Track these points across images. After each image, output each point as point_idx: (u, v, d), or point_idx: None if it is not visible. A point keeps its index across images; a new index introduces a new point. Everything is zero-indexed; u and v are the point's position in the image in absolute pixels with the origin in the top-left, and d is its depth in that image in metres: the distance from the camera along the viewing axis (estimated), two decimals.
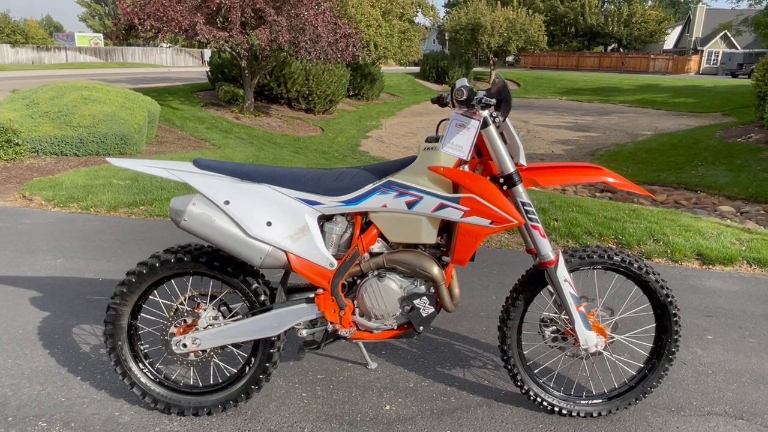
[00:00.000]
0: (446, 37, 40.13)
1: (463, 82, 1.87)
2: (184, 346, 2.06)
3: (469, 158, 1.89)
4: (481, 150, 1.99)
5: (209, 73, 16.21)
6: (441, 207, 1.90)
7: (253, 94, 13.91)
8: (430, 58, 33.70)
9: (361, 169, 2.02)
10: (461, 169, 1.91)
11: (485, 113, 1.88)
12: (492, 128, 1.90)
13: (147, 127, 8.49)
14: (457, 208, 1.88)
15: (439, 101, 2.07)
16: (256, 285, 2.06)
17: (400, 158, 2.03)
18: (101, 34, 47.05)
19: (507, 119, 1.95)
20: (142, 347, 2.18)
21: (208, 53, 30.17)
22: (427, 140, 1.97)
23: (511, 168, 1.93)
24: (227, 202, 1.94)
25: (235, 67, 14.53)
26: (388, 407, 2.24)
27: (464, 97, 1.82)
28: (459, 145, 1.87)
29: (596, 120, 21.11)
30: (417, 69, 34.96)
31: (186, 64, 42.66)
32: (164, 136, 9.51)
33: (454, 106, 1.93)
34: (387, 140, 15.75)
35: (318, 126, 15.50)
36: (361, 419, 2.16)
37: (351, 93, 21.01)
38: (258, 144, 10.75)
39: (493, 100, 1.84)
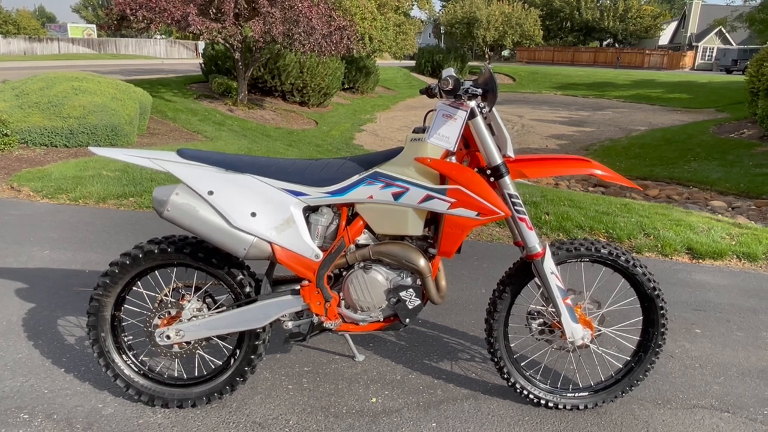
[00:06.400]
0: (442, 31, 40.04)
1: (449, 71, 1.85)
2: (168, 337, 2.04)
3: (456, 149, 1.86)
4: (468, 141, 1.97)
5: (203, 65, 16.07)
6: (427, 198, 1.88)
7: (247, 87, 13.81)
8: (426, 51, 33.53)
9: (348, 160, 2.00)
10: (448, 160, 1.89)
11: (472, 103, 1.86)
12: (479, 119, 1.88)
13: (138, 118, 8.41)
14: (444, 200, 1.87)
15: (428, 92, 2.05)
16: (240, 276, 2.04)
17: (387, 149, 2.01)
18: (94, 25, 46.53)
19: (494, 110, 1.93)
20: (125, 339, 2.16)
21: (202, 45, 29.96)
22: (414, 131, 1.94)
23: (498, 159, 1.91)
24: (211, 193, 1.91)
25: (228, 59, 14.41)
26: (374, 400, 2.23)
27: (450, 86, 1.79)
28: (446, 136, 1.85)
29: (591, 115, 21.10)
30: (412, 63, 34.84)
31: (180, 56, 42.33)
32: (156, 128, 9.43)
33: (441, 97, 1.91)
34: (381, 134, 15.70)
35: (312, 119, 15.42)
36: (347, 411, 2.15)
37: (346, 86, 20.89)
38: (251, 136, 10.68)
39: (480, 90, 1.82)
